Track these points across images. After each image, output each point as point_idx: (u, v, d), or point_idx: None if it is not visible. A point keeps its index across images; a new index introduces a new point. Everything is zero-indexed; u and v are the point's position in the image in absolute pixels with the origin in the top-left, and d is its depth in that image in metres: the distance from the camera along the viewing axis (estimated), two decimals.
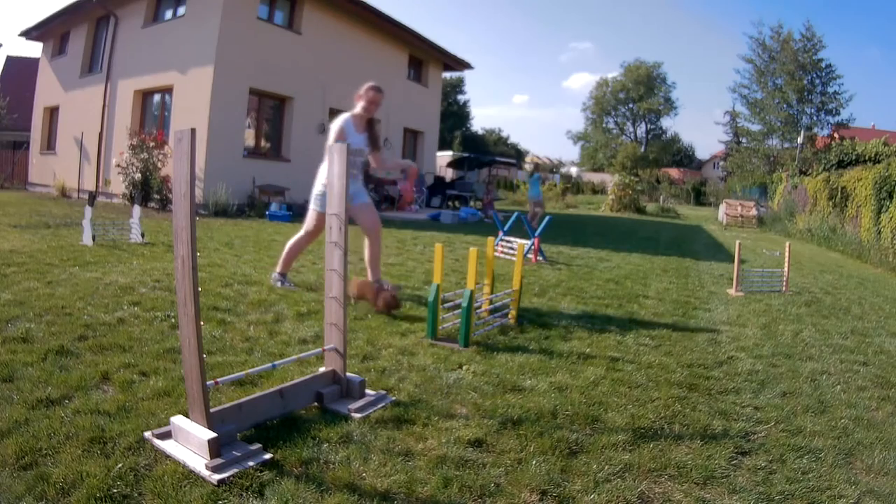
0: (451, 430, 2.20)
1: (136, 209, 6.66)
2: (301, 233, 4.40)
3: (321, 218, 4.19)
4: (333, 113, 14.13)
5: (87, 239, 6.09)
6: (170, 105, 12.10)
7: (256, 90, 12.14)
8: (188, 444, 1.89)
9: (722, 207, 20.62)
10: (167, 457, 1.88)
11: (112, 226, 6.82)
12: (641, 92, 48.93)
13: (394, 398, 2.48)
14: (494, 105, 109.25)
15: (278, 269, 4.53)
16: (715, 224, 19.20)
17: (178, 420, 1.95)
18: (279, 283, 4.49)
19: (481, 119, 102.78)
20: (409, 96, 16.96)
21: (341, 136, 4.16)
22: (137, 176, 11.08)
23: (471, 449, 2.08)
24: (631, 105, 50.19)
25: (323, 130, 13.60)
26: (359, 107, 4.28)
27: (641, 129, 51.59)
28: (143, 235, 6.54)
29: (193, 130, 1.80)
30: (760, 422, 2.47)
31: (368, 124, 4.35)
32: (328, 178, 2.39)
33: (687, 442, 2.23)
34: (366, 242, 4.43)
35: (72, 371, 2.53)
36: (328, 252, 2.41)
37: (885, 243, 9.37)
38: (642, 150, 47.67)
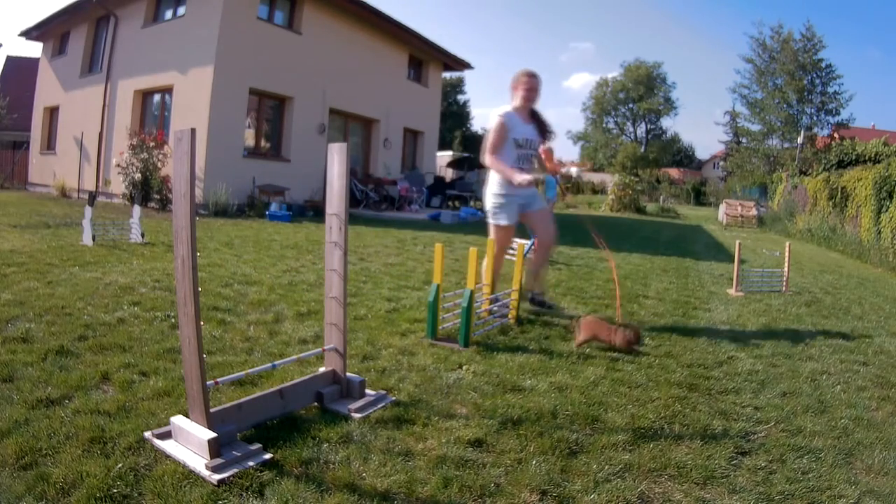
0: (451, 430, 2.20)
1: (136, 209, 6.66)
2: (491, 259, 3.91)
3: (505, 232, 3.91)
4: (333, 113, 14.22)
5: (87, 239, 6.09)
6: (170, 105, 12.10)
7: (256, 90, 12.15)
8: (188, 444, 1.89)
9: (722, 207, 20.61)
10: (167, 457, 1.88)
11: (112, 226, 6.82)
12: (641, 92, 48.90)
13: (394, 398, 2.48)
14: (494, 105, 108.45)
15: (482, 281, 4.03)
16: (715, 224, 19.20)
17: (178, 420, 1.95)
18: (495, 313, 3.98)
19: (481, 119, 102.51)
20: (409, 96, 16.97)
21: (503, 133, 3.76)
22: (137, 176, 11.08)
23: (471, 449, 2.08)
24: (631, 105, 50.14)
25: (323, 130, 13.62)
26: (517, 97, 3.85)
27: (641, 129, 51.56)
28: (143, 235, 6.55)
29: (193, 130, 1.80)
30: (760, 422, 2.47)
31: (532, 114, 3.92)
32: (328, 178, 2.38)
33: (687, 442, 2.23)
34: (535, 252, 4.08)
35: (72, 371, 2.53)
36: (328, 252, 2.41)
37: (885, 243, 9.36)
38: (642, 150, 47.67)
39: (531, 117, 3.90)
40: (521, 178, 3.63)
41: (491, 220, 3.96)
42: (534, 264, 4.14)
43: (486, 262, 3.93)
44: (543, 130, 3.95)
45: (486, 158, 3.81)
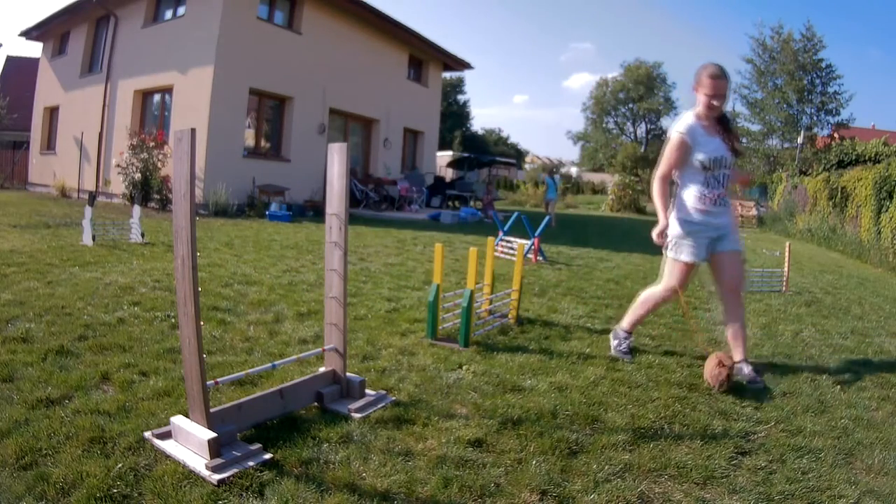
0: (451, 430, 2.20)
1: (136, 209, 6.67)
2: (659, 288, 3.21)
3: (686, 270, 3.08)
4: (333, 113, 14.22)
5: (87, 239, 6.09)
6: (170, 105, 12.10)
7: (256, 90, 12.15)
8: (188, 444, 1.89)
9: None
10: (167, 457, 1.88)
11: (112, 226, 6.82)
12: (641, 92, 48.83)
13: (394, 398, 2.48)
14: (494, 105, 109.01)
15: (624, 324, 3.35)
16: None
17: (178, 420, 1.95)
18: (620, 348, 3.31)
19: (481, 119, 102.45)
20: (409, 96, 16.98)
21: (683, 154, 3.00)
22: (137, 176, 11.09)
23: (471, 449, 2.08)
24: (631, 105, 50.08)
25: (323, 130, 13.62)
26: (699, 104, 2.99)
27: (641, 129, 51.52)
28: (143, 235, 6.55)
29: (193, 130, 1.80)
30: (760, 422, 2.47)
31: (721, 123, 3.06)
32: (328, 178, 2.38)
33: (687, 442, 2.23)
34: (722, 307, 3.22)
35: (72, 371, 2.53)
36: (328, 252, 2.41)
37: (885, 243, 9.36)
38: (642, 150, 47.62)
39: (719, 126, 3.04)
40: (656, 231, 3.00)
41: (670, 254, 3.13)
42: (727, 322, 3.17)
43: (648, 296, 3.25)
44: (733, 143, 3.07)
45: (653, 184, 3.07)
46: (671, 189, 3.13)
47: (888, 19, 59.29)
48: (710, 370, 2.82)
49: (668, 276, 3.15)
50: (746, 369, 3.02)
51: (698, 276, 6.63)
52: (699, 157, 2.98)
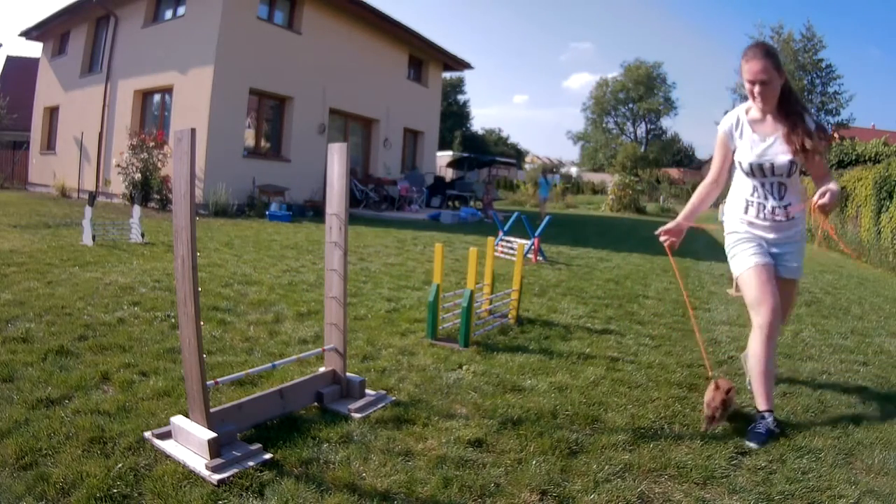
0: (451, 430, 2.20)
1: (136, 209, 6.67)
2: (757, 337, 2.44)
3: (756, 276, 2.48)
4: (333, 113, 14.22)
5: (87, 239, 6.09)
6: (170, 105, 12.10)
7: (256, 90, 12.15)
8: (188, 444, 1.89)
9: (722, 208, 20.59)
10: (167, 457, 1.88)
11: (112, 226, 6.82)
12: (641, 92, 48.84)
13: (394, 398, 2.48)
14: (494, 105, 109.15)
15: (763, 405, 2.38)
16: (715, 224, 19.20)
17: (178, 420, 1.95)
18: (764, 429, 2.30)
19: (481, 119, 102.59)
20: (409, 96, 16.98)
21: (723, 152, 2.58)
22: (137, 176, 11.09)
23: (471, 449, 2.08)
24: (631, 105, 50.11)
25: (323, 130, 13.62)
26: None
27: (641, 129, 51.54)
28: (143, 235, 6.55)
29: (193, 130, 1.80)
30: None
31: (785, 115, 2.42)
32: (328, 178, 2.38)
33: (687, 442, 2.23)
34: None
35: (72, 371, 2.53)
36: (328, 252, 2.41)
37: (885, 243, 9.36)
38: (642, 150, 47.64)
39: (784, 121, 2.42)
40: (662, 228, 2.67)
41: (733, 270, 2.66)
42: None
43: (754, 347, 2.44)
44: (803, 143, 2.35)
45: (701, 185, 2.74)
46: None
47: (888, 19, 59.27)
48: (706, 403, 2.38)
49: (746, 295, 2.56)
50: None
51: (698, 276, 6.65)
52: (737, 158, 2.52)
